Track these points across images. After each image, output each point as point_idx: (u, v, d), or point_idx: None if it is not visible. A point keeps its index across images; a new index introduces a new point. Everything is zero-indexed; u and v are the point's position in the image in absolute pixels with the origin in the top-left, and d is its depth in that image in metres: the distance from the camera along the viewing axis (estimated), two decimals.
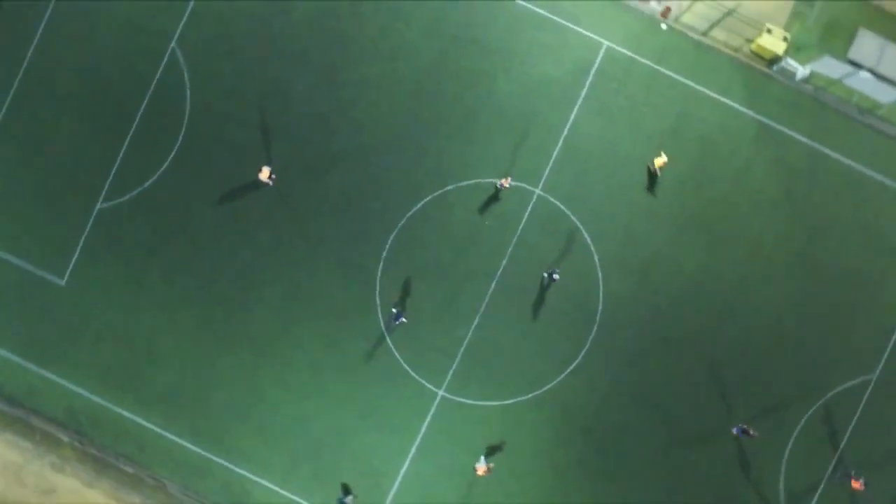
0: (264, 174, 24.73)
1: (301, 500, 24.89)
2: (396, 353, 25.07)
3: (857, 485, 23.95)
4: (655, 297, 24.92)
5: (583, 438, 24.76)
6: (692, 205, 25.03)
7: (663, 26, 25.21)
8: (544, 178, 25.18)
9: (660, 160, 24.36)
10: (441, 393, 24.91)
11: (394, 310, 24.71)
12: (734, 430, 24.48)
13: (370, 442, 24.90)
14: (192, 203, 25.36)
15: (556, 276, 24.55)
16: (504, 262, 25.04)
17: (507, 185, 24.59)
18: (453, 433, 24.80)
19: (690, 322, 24.83)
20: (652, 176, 24.86)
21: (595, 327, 24.90)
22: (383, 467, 24.84)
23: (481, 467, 23.80)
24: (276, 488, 25.04)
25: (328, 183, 25.40)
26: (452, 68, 25.28)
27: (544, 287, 25.02)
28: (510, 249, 25.07)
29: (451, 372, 24.90)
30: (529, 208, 25.09)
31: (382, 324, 25.13)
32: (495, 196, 25.07)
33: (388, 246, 25.20)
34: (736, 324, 24.81)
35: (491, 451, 24.64)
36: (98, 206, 25.47)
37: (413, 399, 24.94)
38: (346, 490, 25.06)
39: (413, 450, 24.85)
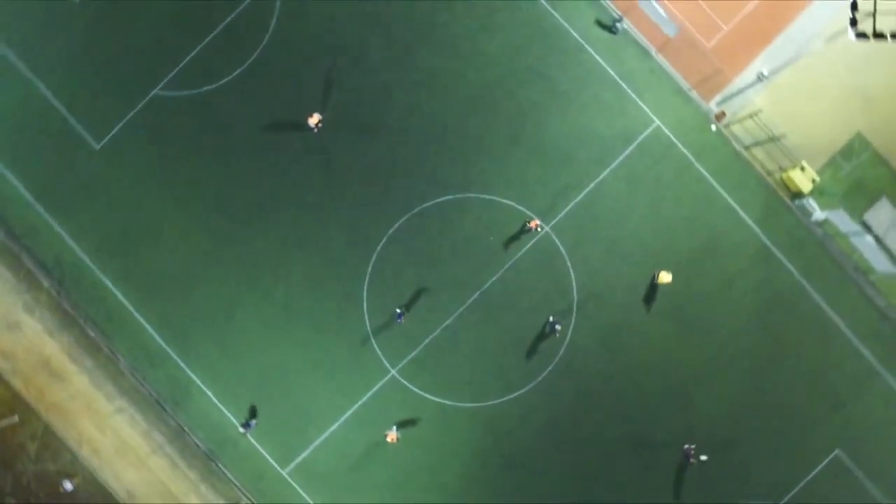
0: (313, 119, 26.73)
1: (232, 418, 26.93)
2: (367, 323, 27.21)
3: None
4: (614, 358, 26.95)
5: (496, 461, 26.73)
6: (677, 292, 26.97)
7: (713, 127, 27.38)
8: (557, 219, 27.21)
9: (666, 278, 26.39)
10: (393, 373, 27.04)
11: (398, 310, 26.61)
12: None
13: (313, 392, 26.93)
14: (239, 122, 27.27)
15: (557, 328, 26.51)
16: (492, 279, 27.04)
17: (535, 228, 26.74)
18: (389, 412, 26.79)
19: (638, 388, 26.89)
20: (652, 284, 26.87)
21: (550, 367, 26.97)
22: (316, 419, 26.88)
23: (391, 434, 26.05)
24: (215, 400, 27.06)
25: (365, 149, 27.36)
26: (514, 92, 27.33)
27: (546, 332, 26.92)
28: (502, 271, 27.07)
29: (408, 358, 26.94)
30: (534, 241, 27.18)
31: (365, 291, 27.23)
32: (522, 231, 26.95)
33: (396, 226, 27.17)
34: (676, 405, 26.84)
35: (402, 425, 26.66)
36: (155, 91, 27.51)
37: (366, 369, 26.96)
38: (253, 414, 27.18)
39: (349, 413, 26.89)
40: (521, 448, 26.83)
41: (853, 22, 20.05)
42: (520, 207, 27.14)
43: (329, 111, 27.24)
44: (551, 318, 26.75)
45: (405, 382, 27.04)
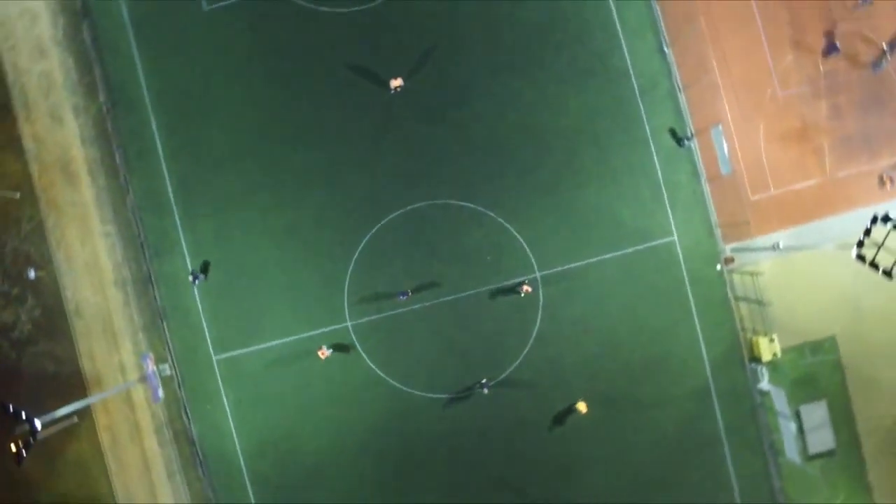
0: (395, 82, 29.37)
1: (196, 292, 30.01)
2: (349, 274, 29.86)
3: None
4: (538, 417, 29.80)
5: (386, 437, 29.60)
6: (615, 387, 29.87)
7: (718, 266, 30.05)
8: (550, 271, 29.86)
9: (582, 407, 29.11)
10: (348, 325, 29.74)
11: (402, 295, 29.51)
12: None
13: (275, 306, 29.70)
14: (336, 52, 30.00)
15: (486, 390, 29.32)
16: (471, 291, 29.79)
17: (525, 292, 29.46)
18: (335, 355, 29.77)
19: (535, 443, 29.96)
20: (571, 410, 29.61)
21: (470, 392, 29.48)
22: (265, 329, 29.63)
23: (324, 351, 29.03)
24: (189, 267, 29.72)
25: (422, 130, 30.06)
26: (572, 148, 29.93)
27: (473, 390, 29.78)
28: (483, 288, 29.83)
29: (367, 319, 29.70)
30: (521, 278, 30.13)
31: (360, 248, 29.77)
32: (514, 288, 29.68)
33: (413, 207, 29.85)
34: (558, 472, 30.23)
35: (338, 349, 29.54)
36: None
37: (328, 310, 29.76)
38: (205, 268, 30.05)
39: (292, 338, 29.60)
40: (413, 442, 29.68)
41: (860, 244, 22.95)
42: (527, 248, 29.87)
43: (412, 82, 29.96)
44: (481, 383, 29.56)
45: (353, 338, 29.88)
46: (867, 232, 22.75)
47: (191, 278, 29.56)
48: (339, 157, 30.20)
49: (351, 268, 29.99)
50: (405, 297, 29.58)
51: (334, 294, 29.90)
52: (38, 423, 21.41)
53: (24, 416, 21.35)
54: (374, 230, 30.07)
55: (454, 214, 30.10)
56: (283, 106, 30.24)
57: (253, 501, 29.79)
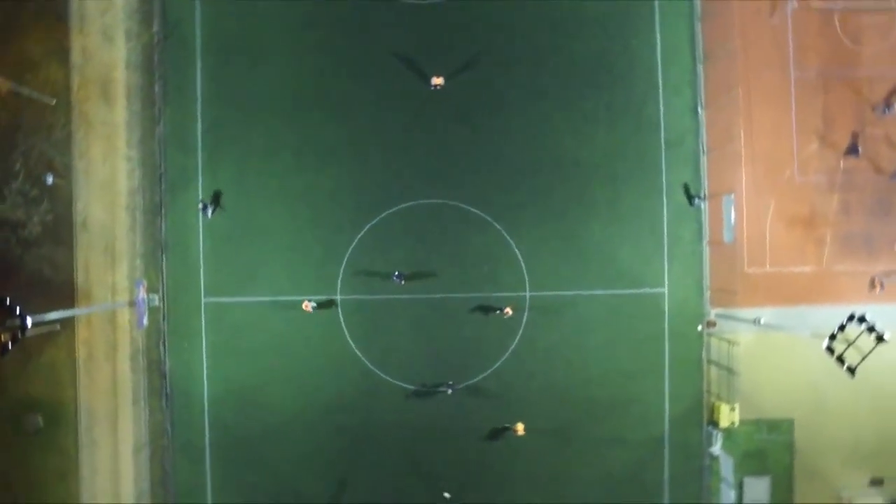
0: (437, 80, 30.65)
1: (201, 234, 31.17)
2: (350, 249, 31.08)
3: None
4: (497, 419, 31.05)
5: (343, 415, 31.04)
6: (574, 417, 31.04)
7: (699, 327, 31.39)
8: (539, 294, 31.13)
9: (520, 429, 30.30)
10: (336, 298, 31.00)
11: (397, 278, 30.92)
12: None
13: (272, 262, 31.03)
14: (388, 34, 31.35)
15: (449, 391, 30.63)
16: (461, 294, 31.05)
17: (509, 314, 30.76)
18: (313, 320, 30.83)
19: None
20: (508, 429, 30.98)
21: (436, 392, 30.77)
22: (257, 282, 30.95)
23: (308, 304, 30.40)
24: (198, 206, 30.95)
25: (448, 128, 31.37)
26: (586, 180, 31.29)
27: (439, 388, 31.00)
28: (473, 294, 31.12)
29: (356, 297, 30.95)
30: (511, 294, 31.24)
31: (366, 229, 31.12)
32: (495, 310, 31.10)
33: (424, 202, 31.15)
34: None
35: (322, 305, 30.87)
36: None
37: (322, 279, 31.11)
38: (216, 200, 31.09)
39: (282, 298, 30.89)
40: (371, 422, 31.02)
41: (832, 337, 24.38)
42: (524, 267, 31.15)
43: (453, 84, 31.14)
44: (451, 382, 30.89)
45: (339, 312, 31.21)
46: (842, 328, 24.14)
47: (200, 206, 30.72)
48: (367, 139, 31.45)
49: (353, 245, 31.23)
50: (400, 281, 30.89)
51: (331, 266, 31.13)
52: (29, 321, 22.66)
53: (17, 312, 22.59)
54: (383, 214, 31.35)
55: (462, 218, 31.36)
56: (325, 76, 31.47)
57: (207, 443, 31.02)
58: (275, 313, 31.09)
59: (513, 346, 31.30)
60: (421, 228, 31.43)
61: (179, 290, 31.18)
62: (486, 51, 31.59)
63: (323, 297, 31.04)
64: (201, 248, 31.10)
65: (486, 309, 31.18)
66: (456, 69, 31.27)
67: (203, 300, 31.08)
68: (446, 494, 30.95)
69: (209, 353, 31.13)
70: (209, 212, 30.89)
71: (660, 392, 31.37)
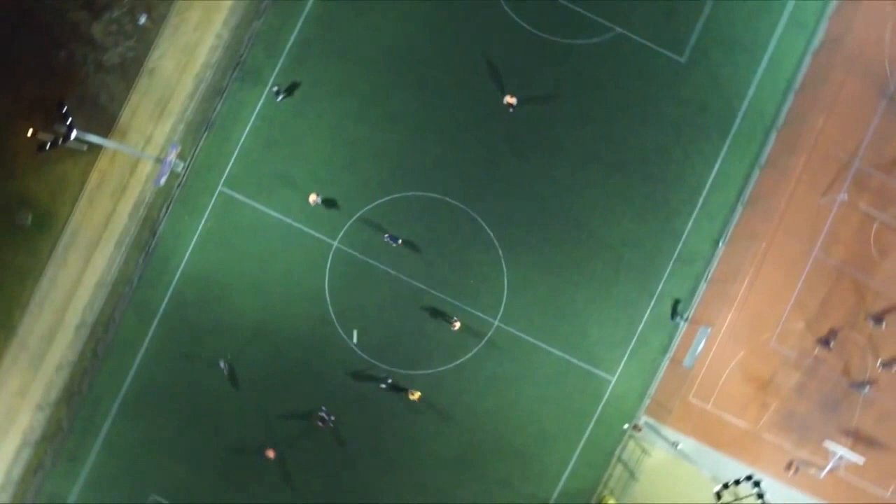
0: (510, 100, 33.21)
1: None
2: (366, 209, 33.55)
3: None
4: (414, 416, 33.76)
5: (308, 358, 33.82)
6: (479, 446, 33.67)
7: (626, 426, 33.96)
8: (508, 330, 33.74)
9: (416, 395, 32.99)
10: (334, 244, 33.49)
11: (392, 240, 33.42)
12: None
13: (298, 186, 33.49)
14: (489, 41, 33.97)
15: (383, 385, 33.25)
16: (438, 293, 33.56)
17: (456, 328, 33.25)
18: (309, 258, 33.63)
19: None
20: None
21: (382, 376, 33.71)
22: (280, 197, 33.37)
23: (314, 197, 32.89)
24: (264, 96, 33.58)
25: (499, 151, 33.95)
26: (590, 254, 33.91)
27: (378, 376, 33.64)
28: (449, 298, 33.63)
29: (350, 251, 33.43)
30: (481, 315, 33.89)
31: (385, 198, 33.71)
32: (450, 319, 33.61)
33: (445, 198, 33.74)
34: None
35: (327, 203, 33.42)
36: None
37: (329, 222, 33.69)
38: (290, 90, 33.38)
39: (292, 223, 33.43)
40: (310, 366, 33.51)
41: (725, 486, 27.04)
42: (505, 298, 33.67)
43: (522, 110, 33.68)
44: (389, 379, 33.30)
45: (330, 258, 33.57)
46: (737, 482, 26.82)
47: (274, 90, 33.17)
48: (428, 122, 33.96)
49: (370, 206, 33.71)
50: (395, 243, 33.29)
51: (342, 216, 33.61)
52: (74, 133, 24.95)
53: (69, 122, 24.83)
54: (408, 193, 33.81)
55: (472, 230, 33.89)
56: (417, 50, 34.01)
57: (161, 311, 33.40)
58: (274, 230, 33.49)
59: (460, 361, 33.83)
60: (433, 221, 33.91)
61: (204, 168, 33.54)
62: (566, 96, 34.08)
63: (319, 253, 33.46)
64: (240, 143, 33.48)
65: (441, 314, 33.65)
66: (532, 100, 33.82)
67: (220, 187, 33.48)
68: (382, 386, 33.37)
69: (201, 235, 33.53)
70: (280, 97, 33.20)
71: (564, 462, 33.88)
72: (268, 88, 33.36)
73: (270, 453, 32.95)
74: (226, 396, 33.47)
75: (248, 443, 33.46)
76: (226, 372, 33.15)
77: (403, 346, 33.84)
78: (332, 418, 33.12)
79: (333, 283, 33.60)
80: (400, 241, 33.41)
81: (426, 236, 33.92)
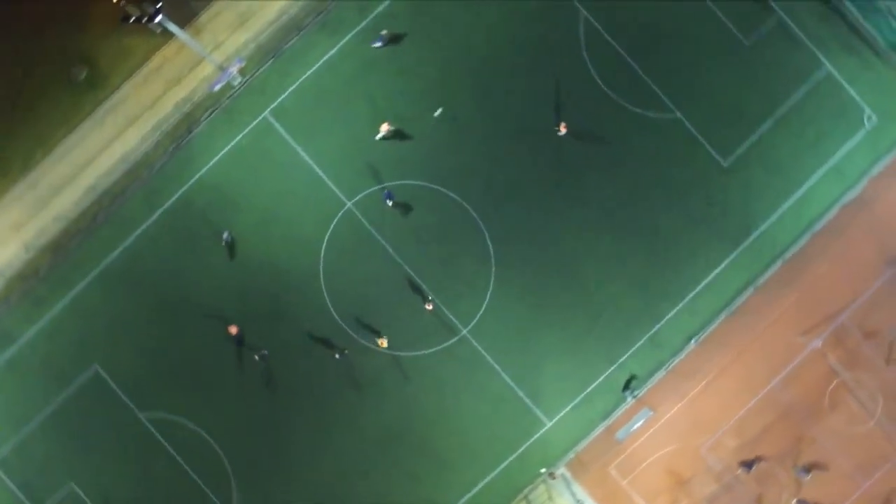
0: (562, 129, 34.81)
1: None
2: (390, 183, 35.48)
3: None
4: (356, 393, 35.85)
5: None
6: (394, 431, 35.57)
7: (542, 470, 35.71)
8: (470, 345, 35.69)
9: (383, 343, 35.11)
10: (349, 204, 35.45)
11: (388, 197, 35.21)
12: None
13: (343, 142, 35.52)
14: (573, 67, 35.69)
15: (338, 356, 35.11)
16: (421, 282, 35.57)
17: (430, 309, 35.12)
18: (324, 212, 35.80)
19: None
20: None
21: (339, 347, 35.75)
22: (315, 142, 35.36)
23: (386, 126, 34.68)
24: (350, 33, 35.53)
25: (532, 176, 35.66)
26: (572, 314, 35.87)
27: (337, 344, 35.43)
28: (436, 290, 35.51)
29: (359, 216, 35.41)
30: (451, 320, 35.79)
31: (411, 182, 35.75)
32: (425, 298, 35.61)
33: (462, 204, 35.59)
34: None
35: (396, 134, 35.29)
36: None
37: (357, 180, 35.50)
38: (395, 39, 35.05)
39: (317, 173, 35.59)
40: (281, 306, 35.60)
41: None
42: (482, 312, 35.59)
43: (570, 142, 35.39)
44: (346, 350, 35.25)
45: (336, 215, 35.47)
46: None
47: (378, 43, 34.92)
48: (479, 124, 35.51)
49: (393, 184, 35.56)
50: (389, 200, 34.96)
51: (368, 179, 35.49)
52: (159, 18, 26.82)
53: (159, 5, 26.54)
54: (430, 185, 35.56)
55: (477, 240, 35.66)
56: (501, 62, 35.54)
57: (169, 203, 35.34)
58: (298, 170, 35.33)
59: (418, 353, 35.69)
60: (444, 218, 35.50)
61: (258, 91, 35.27)
62: (609, 151, 35.53)
63: (332, 209, 35.49)
64: (301, 81, 35.32)
65: (420, 292, 35.53)
66: (577, 139, 35.42)
67: (265, 113, 35.27)
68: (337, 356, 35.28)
69: (231, 150, 35.28)
70: (379, 43, 34.85)
71: (475, 481, 35.82)
72: (382, 33, 35.01)
73: (233, 329, 35.06)
74: (197, 300, 35.60)
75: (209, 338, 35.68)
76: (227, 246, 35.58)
77: (373, 320, 35.65)
78: (265, 353, 35.20)
79: (333, 240, 35.40)
80: (392, 202, 35.11)
81: (432, 229, 35.75)
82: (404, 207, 35.58)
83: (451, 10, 35.61)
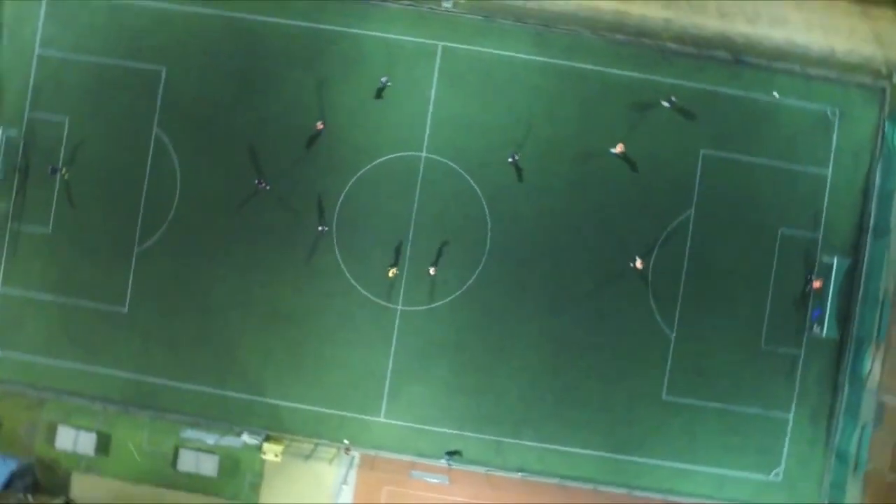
0: (618, 148, 37.63)
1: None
2: (356, 176, 39.77)
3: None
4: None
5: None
6: None
7: (345, 441, 39.83)
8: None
9: (393, 271, 37.87)
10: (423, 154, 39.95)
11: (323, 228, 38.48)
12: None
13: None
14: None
15: (320, 228, 38.61)
16: (426, 240, 39.28)
17: (394, 274, 38.19)
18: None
19: None
20: None
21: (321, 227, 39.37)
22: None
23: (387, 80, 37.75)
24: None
25: (546, 235, 39.76)
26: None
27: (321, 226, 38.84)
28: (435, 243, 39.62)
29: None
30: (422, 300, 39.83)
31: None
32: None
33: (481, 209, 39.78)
34: None
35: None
36: None
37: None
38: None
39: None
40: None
41: None
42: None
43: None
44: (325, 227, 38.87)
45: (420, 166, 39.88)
46: None
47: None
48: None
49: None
50: (384, 82, 38.40)
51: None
52: None
53: None
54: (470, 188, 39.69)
55: (476, 243, 39.79)
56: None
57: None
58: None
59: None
60: (461, 225, 39.56)
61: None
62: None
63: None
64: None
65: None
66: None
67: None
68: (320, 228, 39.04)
69: None
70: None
71: (312, 402, 40.66)
72: None
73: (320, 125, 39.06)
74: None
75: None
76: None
77: (376, 264, 39.66)
78: (267, 187, 39.09)
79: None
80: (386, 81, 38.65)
81: (430, 212, 39.98)
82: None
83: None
